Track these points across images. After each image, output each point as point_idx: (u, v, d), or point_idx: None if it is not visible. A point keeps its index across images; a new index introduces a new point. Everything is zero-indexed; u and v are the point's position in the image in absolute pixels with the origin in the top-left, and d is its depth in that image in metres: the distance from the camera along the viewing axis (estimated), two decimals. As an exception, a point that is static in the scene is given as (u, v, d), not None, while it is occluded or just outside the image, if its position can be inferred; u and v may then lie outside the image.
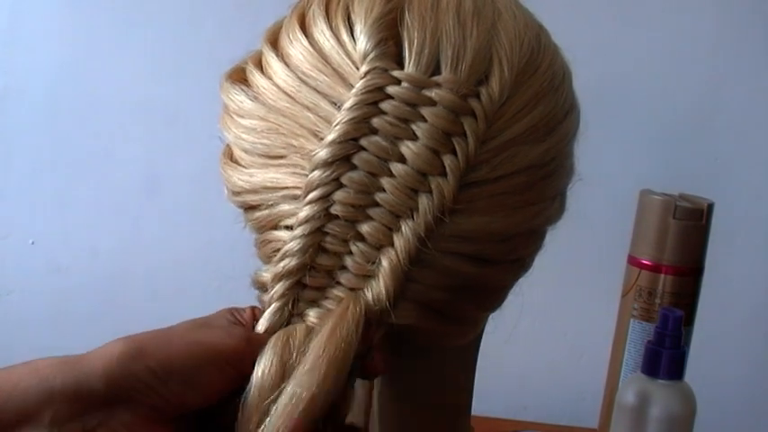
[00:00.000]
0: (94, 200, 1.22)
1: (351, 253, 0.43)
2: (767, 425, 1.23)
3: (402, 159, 0.42)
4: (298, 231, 0.43)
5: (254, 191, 0.47)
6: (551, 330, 1.18)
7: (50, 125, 1.21)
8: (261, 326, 0.44)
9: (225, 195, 0.49)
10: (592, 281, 1.17)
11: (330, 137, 0.42)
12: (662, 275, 0.89)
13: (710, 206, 0.89)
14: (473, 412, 0.53)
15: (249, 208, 0.48)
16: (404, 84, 0.42)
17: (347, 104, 0.42)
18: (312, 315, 0.44)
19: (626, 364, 0.91)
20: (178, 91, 1.19)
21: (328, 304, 0.43)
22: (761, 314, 1.21)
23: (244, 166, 0.48)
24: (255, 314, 0.46)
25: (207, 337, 0.42)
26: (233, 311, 0.47)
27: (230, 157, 0.49)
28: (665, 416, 0.78)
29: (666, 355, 0.77)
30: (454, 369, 0.51)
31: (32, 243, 1.23)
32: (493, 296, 0.48)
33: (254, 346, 0.42)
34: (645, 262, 0.90)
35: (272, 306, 0.44)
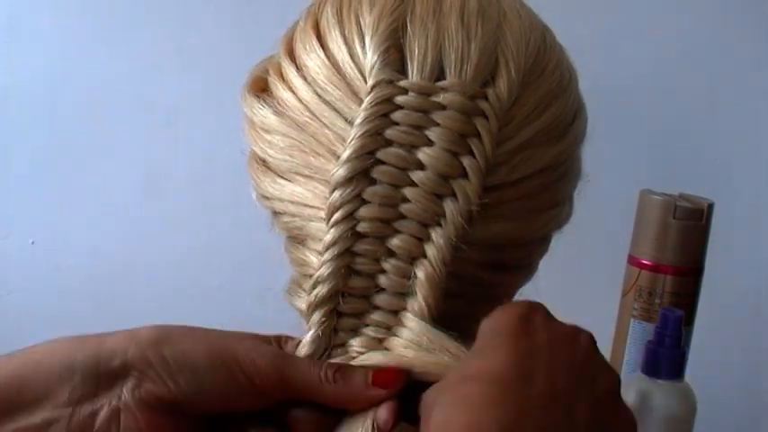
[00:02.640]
0: (94, 200, 1.22)
1: (384, 271, 0.42)
2: (767, 425, 1.23)
3: (421, 166, 0.42)
4: (326, 256, 0.42)
5: (282, 200, 0.46)
6: (551, 330, 1.18)
7: (50, 125, 1.21)
8: (301, 354, 0.44)
9: (253, 196, 0.49)
10: (592, 281, 1.16)
11: (345, 154, 0.42)
12: (662, 275, 0.89)
13: (710, 206, 0.89)
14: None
15: (278, 213, 0.47)
16: (410, 92, 0.42)
17: (358, 120, 0.42)
18: (356, 344, 0.43)
19: (626, 364, 0.91)
20: (178, 91, 1.19)
21: (370, 332, 0.43)
22: (761, 314, 1.21)
23: (274, 174, 0.47)
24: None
25: (233, 343, 0.42)
26: (273, 339, 0.46)
27: (259, 160, 0.48)
28: (665, 416, 0.78)
29: (666, 355, 0.77)
30: None
31: (32, 243, 1.23)
32: (504, 302, 0.48)
33: (284, 366, 0.41)
34: (645, 262, 0.90)
35: (310, 333, 0.43)
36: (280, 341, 0.45)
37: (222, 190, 1.19)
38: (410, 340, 0.41)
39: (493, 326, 0.40)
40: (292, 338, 0.45)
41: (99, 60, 1.20)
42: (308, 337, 0.43)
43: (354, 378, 0.41)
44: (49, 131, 1.21)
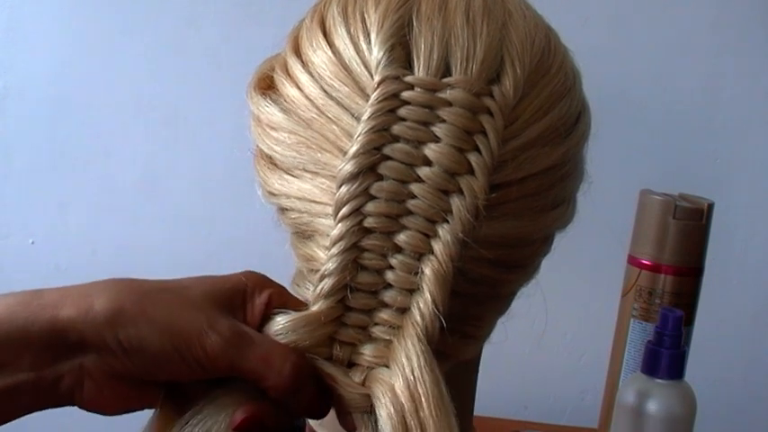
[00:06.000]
0: (94, 200, 1.22)
1: (391, 267, 0.42)
2: (767, 425, 1.23)
3: (428, 162, 0.42)
4: (333, 250, 0.42)
5: (289, 196, 0.46)
6: (551, 330, 1.18)
7: (50, 125, 1.21)
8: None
9: (259, 193, 0.49)
10: (592, 281, 1.17)
11: (352, 149, 0.42)
12: (662, 275, 0.89)
13: (710, 206, 0.89)
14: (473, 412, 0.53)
15: (285, 209, 0.47)
16: (417, 88, 0.42)
17: (365, 116, 0.42)
18: (368, 354, 0.42)
19: (626, 364, 0.91)
20: (178, 91, 1.20)
21: (378, 331, 0.42)
22: (761, 314, 1.21)
23: (281, 170, 0.47)
24: (272, 301, 0.45)
25: (186, 324, 0.41)
26: (245, 289, 0.46)
27: (266, 158, 0.48)
28: (664, 416, 0.78)
29: (666, 355, 0.77)
30: (460, 376, 0.51)
31: (32, 243, 1.23)
32: (508, 302, 0.48)
33: (238, 348, 0.41)
34: (645, 262, 0.90)
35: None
36: (249, 296, 0.45)
37: (222, 190, 1.19)
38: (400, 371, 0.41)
39: None
40: (264, 289, 0.45)
41: (99, 60, 1.20)
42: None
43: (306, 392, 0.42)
44: (48, 131, 1.21)
